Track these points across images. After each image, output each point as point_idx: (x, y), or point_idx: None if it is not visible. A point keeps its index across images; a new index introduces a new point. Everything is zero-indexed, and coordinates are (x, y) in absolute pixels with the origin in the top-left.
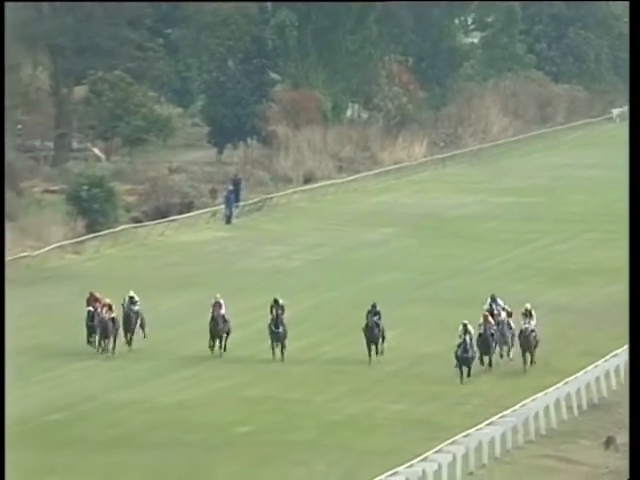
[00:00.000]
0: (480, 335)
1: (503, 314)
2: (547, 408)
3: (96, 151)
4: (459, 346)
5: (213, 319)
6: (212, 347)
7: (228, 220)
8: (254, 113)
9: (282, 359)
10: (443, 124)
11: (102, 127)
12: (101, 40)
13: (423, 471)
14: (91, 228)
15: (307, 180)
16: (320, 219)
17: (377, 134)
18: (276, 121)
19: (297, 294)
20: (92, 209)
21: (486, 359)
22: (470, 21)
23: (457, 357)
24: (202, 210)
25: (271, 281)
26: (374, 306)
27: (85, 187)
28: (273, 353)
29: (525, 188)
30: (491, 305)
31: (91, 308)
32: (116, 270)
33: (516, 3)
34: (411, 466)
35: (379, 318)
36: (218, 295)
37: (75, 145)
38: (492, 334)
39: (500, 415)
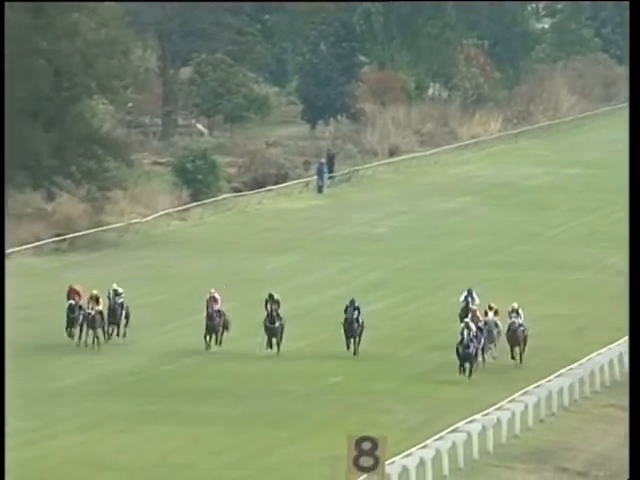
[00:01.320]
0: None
1: (491, 314)
2: (611, 362)
3: (200, 127)
4: (460, 343)
5: (208, 315)
6: (208, 343)
7: (320, 190)
8: (344, 92)
9: (277, 354)
10: (516, 102)
11: (205, 105)
12: (204, 25)
13: (498, 419)
14: (195, 197)
15: (392, 153)
16: (403, 189)
17: (456, 111)
18: (364, 99)
19: (382, 258)
20: (196, 180)
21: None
22: (541, 8)
23: (458, 354)
24: (296, 181)
25: (359, 245)
26: (352, 302)
27: (190, 160)
28: (270, 347)
29: (590, 161)
30: (466, 298)
31: (72, 301)
32: (218, 235)
33: None
34: (487, 414)
35: (359, 314)
36: (213, 290)
37: (181, 121)
38: (480, 329)
39: (568, 368)
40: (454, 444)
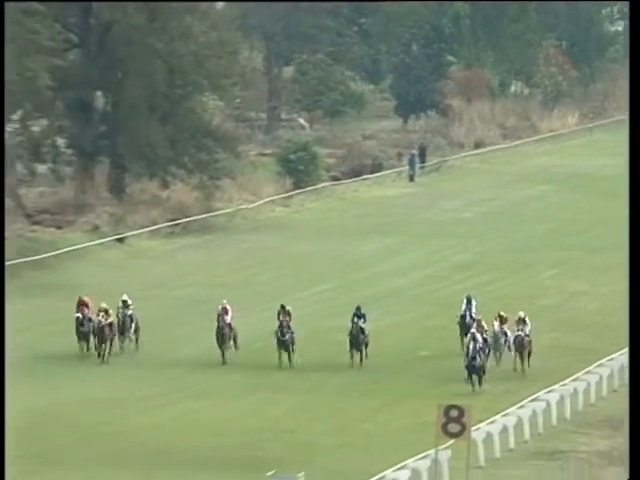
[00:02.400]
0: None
1: (496, 323)
2: None
3: (301, 121)
4: (466, 355)
5: (219, 327)
6: (223, 355)
7: (411, 178)
8: (433, 89)
9: (290, 366)
10: (591, 99)
11: (307, 101)
12: (306, 28)
13: (575, 389)
14: (297, 185)
15: (477, 145)
16: (488, 178)
17: (536, 107)
18: (452, 96)
19: (469, 240)
20: (298, 169)
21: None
22: (615, 11)
23: (466, 366)
24: (390, 170)
25: (447, 229)
26: (359, 308)
27: (292, 151)
28: (280, 362)
29: None
30: (466, 308)
31: (79, 314)
32: (318, 221)
33: None
34: (565, 385)
35: (364, 322)
36: (225, 301)
37: (284, 116)
38: (486, 340)
39: None
40: (534, 412)
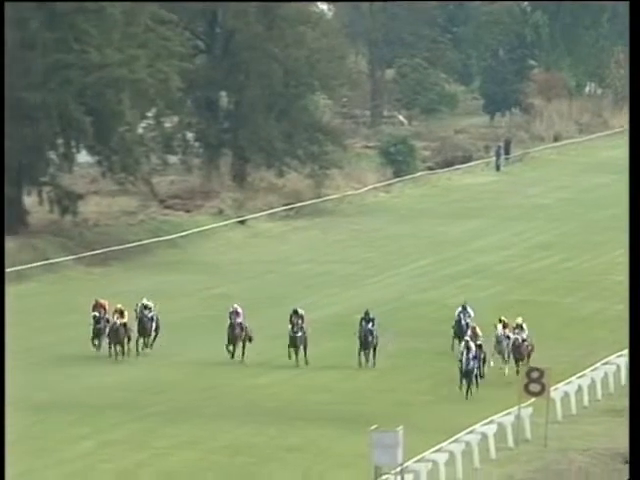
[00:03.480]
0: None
1: (499, 326)
2: None
3: (401, 118)
4: (460, 362)
5: (231, 326)
6: (231, 352)
7: (498, 168)
8: (517, 89)
9: (306, 363)
10: None
11: (405, 100)
12: (405, 35)
13: None
14: (397, 174)
15: (555, 139)
16: (565, 168)
17: (608, 105)
18: (533, 96)
19: (548, 223)
20: (397, 160)
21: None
22: None
23: (460, 371)
24: (478, 161)
25: (529, 213)
26: (367, 313)
27: (393, 144)
28: (293, 357)
29: None
30: (459, 314)
31: (97, 313)
32: (415, 205)
33: None
34: (620, 356)
35: (373, 325)
36: (236, 305)
37: (385, 113)
38: (480, 346)
39: None
40: (606, 374)
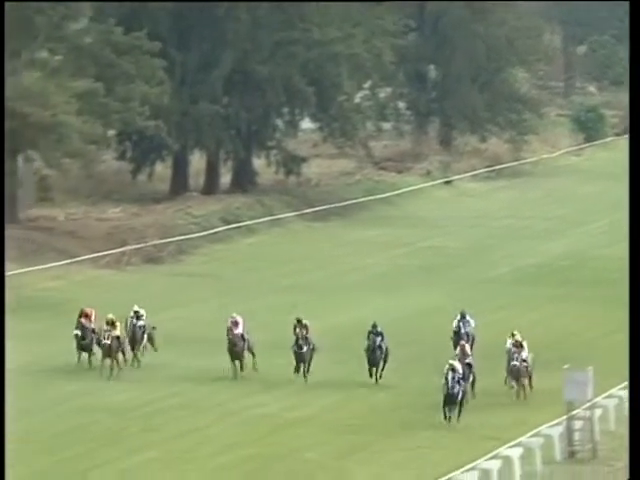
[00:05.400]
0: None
1: (509, 341)
2: None
3: (592, 89)
4: (444, 384)
5: (230, 340)
6: (235, 368)
7: None
8: None
9: (305, 381)
10: None
11: (595, 73)
12: (595, 15)
13: None
14: (588, 139)
15: None
16: None
17: None
18: None
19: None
20: (588, 127)
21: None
22: None
23: (444, 396)
24: None
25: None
26: (375, 326)
27: (584, 112)
28: (297, 372)
29: None
30: (459, 323)
31: (79, 331)
32: (604, 167)
33: None
34: None
35: (382, 340)
36: (235, 314)
37: (578, 85)
38: (469, 364)
39: None
40: None
